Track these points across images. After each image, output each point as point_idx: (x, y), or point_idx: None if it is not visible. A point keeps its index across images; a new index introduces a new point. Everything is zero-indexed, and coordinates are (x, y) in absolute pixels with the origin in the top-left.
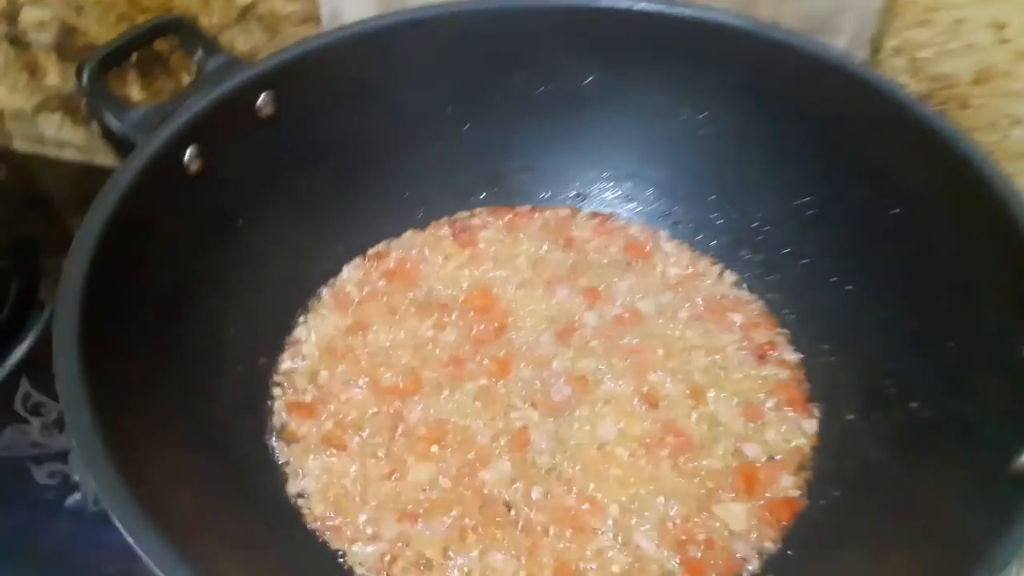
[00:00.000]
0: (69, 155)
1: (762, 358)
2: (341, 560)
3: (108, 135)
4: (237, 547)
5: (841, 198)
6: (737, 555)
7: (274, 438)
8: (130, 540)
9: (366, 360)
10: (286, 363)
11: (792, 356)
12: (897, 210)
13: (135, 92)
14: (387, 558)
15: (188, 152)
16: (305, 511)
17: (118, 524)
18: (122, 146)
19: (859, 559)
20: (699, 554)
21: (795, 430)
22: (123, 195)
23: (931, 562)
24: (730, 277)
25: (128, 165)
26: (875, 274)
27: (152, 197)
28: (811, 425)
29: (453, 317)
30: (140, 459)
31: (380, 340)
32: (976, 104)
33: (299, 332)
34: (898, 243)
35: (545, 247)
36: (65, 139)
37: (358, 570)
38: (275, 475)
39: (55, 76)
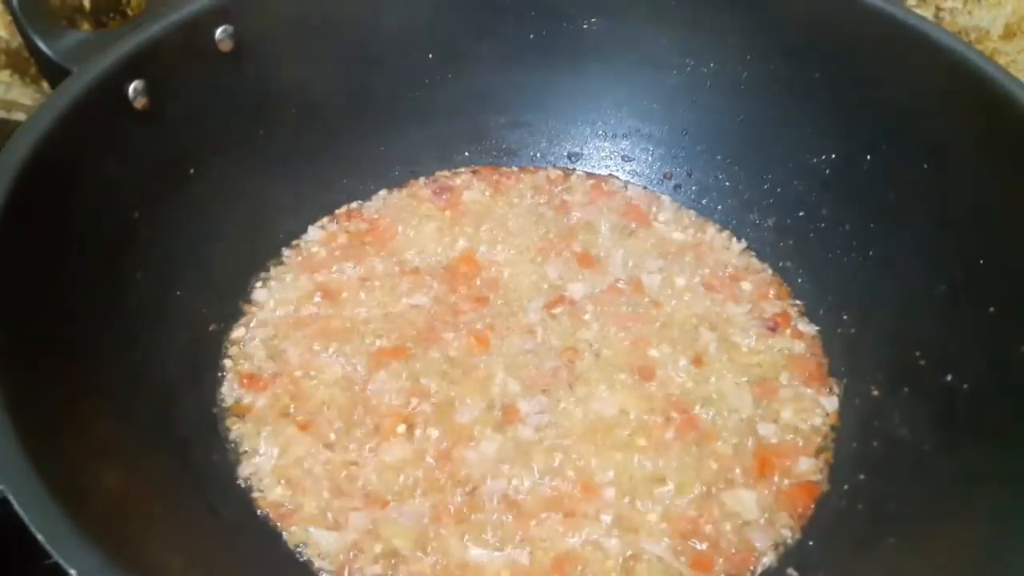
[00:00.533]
0: (18, 117)
1: (774, 330)
2: (298, 551)
3: (40, 63)
4: (175, 535)
5: (862, 154)
6: (750, 546)
7: (224, 413)
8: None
9: (332, 329)
10: (241, 330)
11: (808, 328)
12: (926, 164)
13: None
14: (351, 550)
15: (133, 86)
16: (257, 495)
17: (17, 507)
18: (56, 76)
19: (893, 550)
20: (706, 546)
21: (813, 408)
22: (48, 132)
23: (967, 565)
24: (738, 244)
25: (57, 97)
26: (901, 235)
27: (85, 135)
28: (831, 402)
29: (432, 284)
30: (59, 430)
31: (348, 308)
32: (1005, 60)
33: (257, 296)
34: (927, 200)
35: (535, 211)
36: (13, 99)
37: (317, 563)
38: (224, 454)
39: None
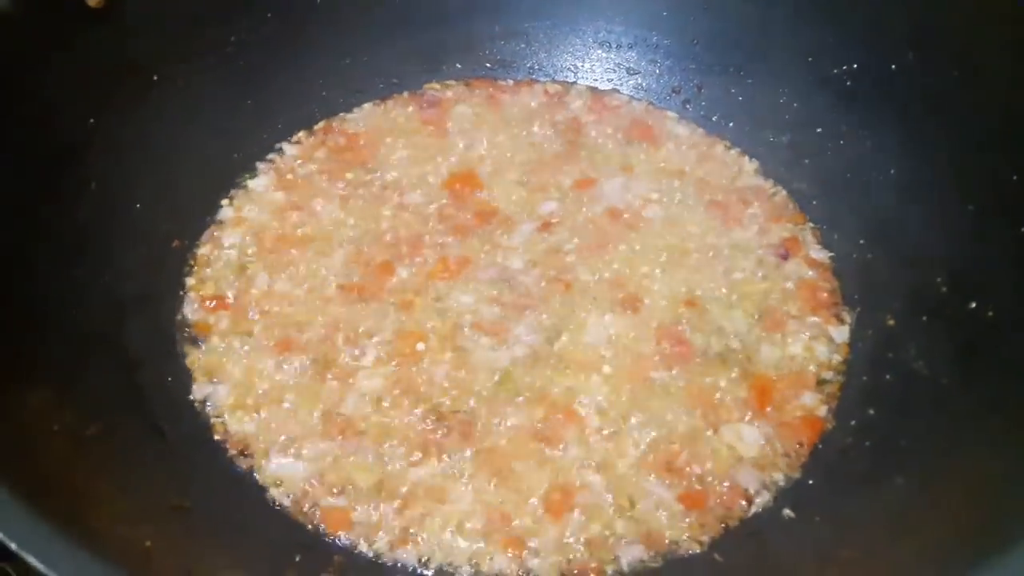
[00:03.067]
0: None
1: (784, 257)
2: (255, 479)
3: None
4: (115, 460)
5: (886, 63)
6: (744, 485)
7: (183, 334)
8: None
9: (304, 249)
10: (207, 247)
11: (820, 254)
12: (956, 72)
13: None
14: (312, 480)
15: None
16: (214, 420)
17: None
18: None
19: (899, 489)
20: (696, 482)
21: (821, 339)
22: None
23: (983, 502)
24: (751, 164)
25: None
26: (926, 152)
27: (32, 33)
28: (841, 333)
29: (415, 203)
30: None
31: (324, 227)
32: None
33: (225, 213)
34: (956, 113)
35: (531, 127)
36: None
37: (273, 491)
38: (178, 376)
39: None
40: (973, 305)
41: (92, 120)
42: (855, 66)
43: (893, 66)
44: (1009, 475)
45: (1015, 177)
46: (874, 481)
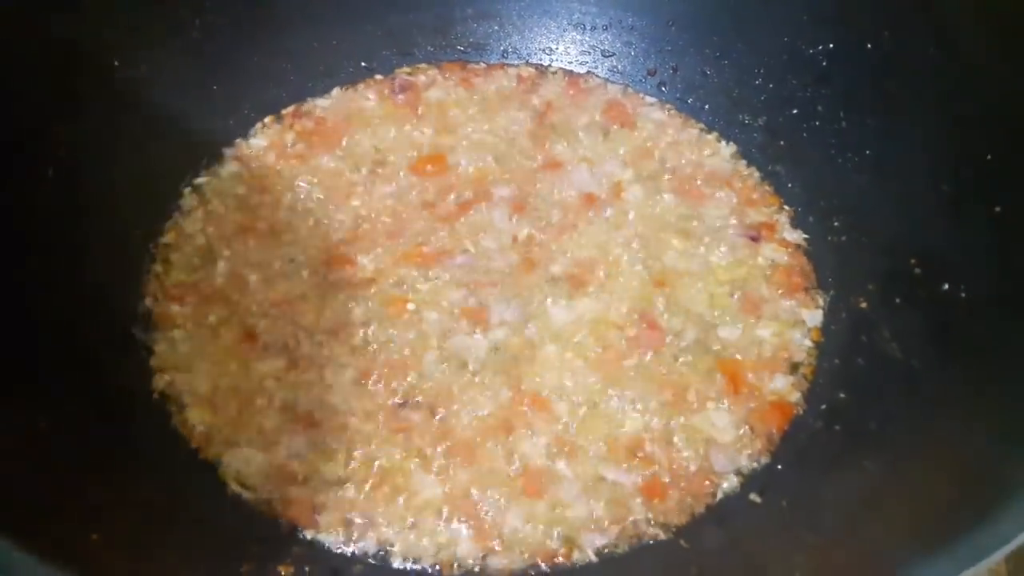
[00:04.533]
0: None
1: (756, 239)
2: (214, 470)
3: None
4: (68, 452)
5: (862, 42)
6: (711, 469)
7: (141, 323)
8: None
9: (270, 237)
10: (169, 235)
11: (794, 236)
12: (932, 50)
13: None
14: (272, 471)
15: None
16: (173, 411)
17: None
18: None
19: (868, 474)
20: (665, 469)
21: (793, 322)
22: None
23: (954, 482)
24: (726, 146)
25: None
26: (902, 132)
27: None
28: (814, 316)
29: (385, 187)
30: None
31: (291, 214)
32: None
33: (190, 201)
34: (933, 92)
35: (505, 111)
36: None
37: (232, 484)
38: (138, 367)
39: None
40: (946, 287)
41: (50, 106)
42: (830, 46)
43: (869, 45)
44: (978, 457)
45: (989, 157)
46: (843, 465)
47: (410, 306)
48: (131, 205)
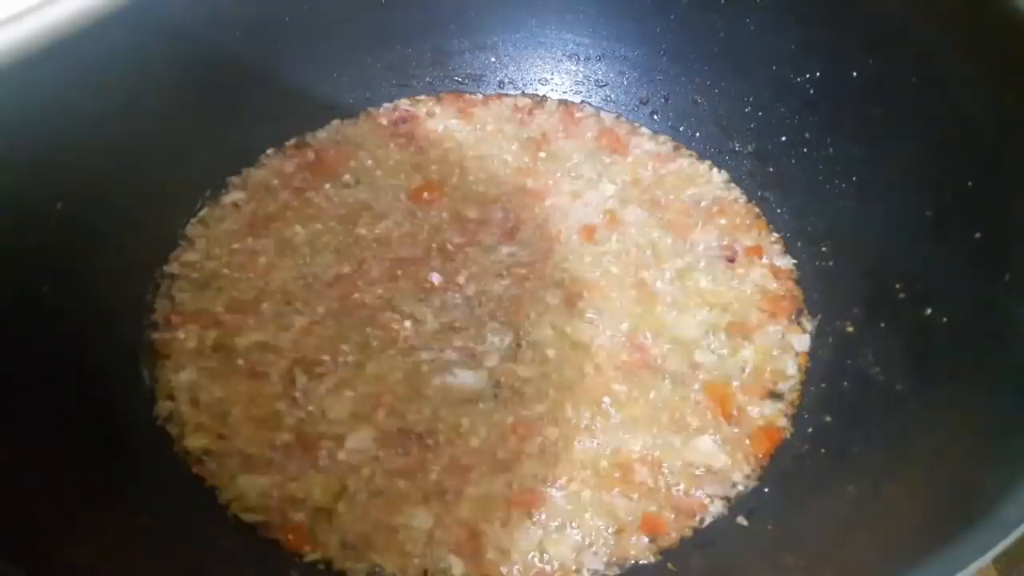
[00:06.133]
0: None
1: (731, 260)
2: (214, 494)
3: None
4: (71, 475)
5: (848, 70)
6: (700, 494)
7: (145, 350)
8: None
9: (272, 266)
10: (173, 264)
11: (783, 262)
12: (915, 79)
13: None
14: (271, 495)
15: None
16: (175, 436)
17: None
18: None
19: (851, 498)
20: (653, 494)
21: (781, 347)
22: None
23: (934, 504)
24: (716, 173)
25: None
26: (887, 158)
27: None
28: (802, 341)
29: (388, 217)
30: None
31: (293, 244)
32: None
33: (192, 231)
34: (916, 119)
35: (501, 140)
36: None
37: (232, 507)
38: (141, 393)
39: None
40: (929, 311)
41: (59, 138)
42: (817, 74)
43: (854, 73)
44: (956, 480)
45: (970, 183)
46: (827, 487)
47: (408, 334)
48: (137, 235)
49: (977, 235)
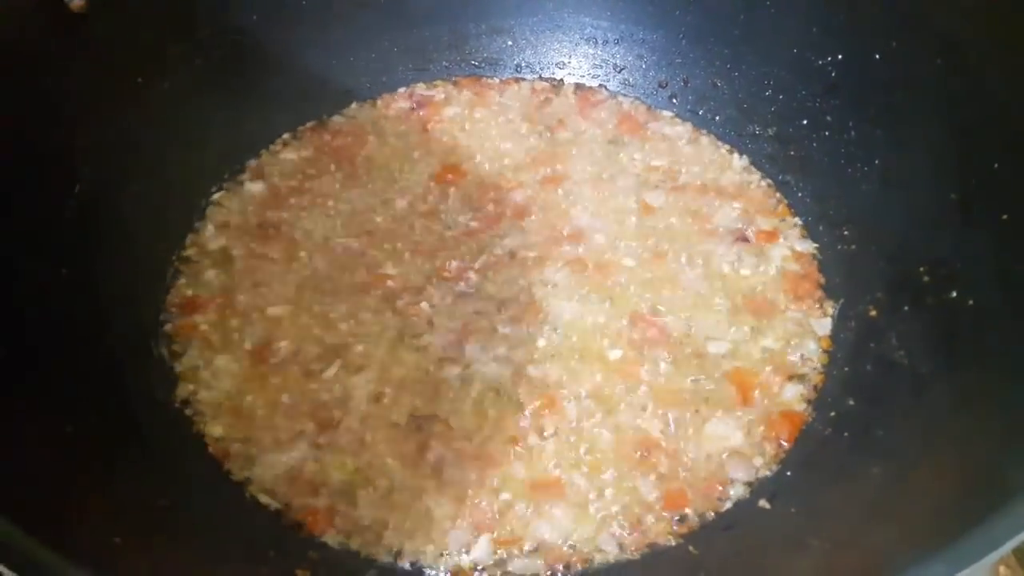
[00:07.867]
0: None
1: (765, 249)
2: (232, 477)
3: None
4: (92, 458)
5: (870, 53)
6: (720, 476)
7: (163, 334)
8: None
9: (290, 250)
10: (191, 249)
11: (805, 246)
12: (939, 61)
13: None
14: (290, 478)
15: None
16: (194, 420)
17: None
18: None
19: (876, 481)
20: (675, 477)
21: (803, 331)
22: None
23: (959, 490)
24: (737, 157)
25: None
26: (910, 141)
27: (15, 37)
28: (823, 325)
29: (402, 201)
30: None
31: (311, 228)
32: None
33: (210, 215)
34: (940, 102)
35: (518, 125)
36: None
37: (250, 489)
38: (160, 377)
39: None
40: (954, 294)
41: (76, 122)
42: (839, 57)
43: (877, 55)
44: (981, 460)
45: (996, 165)
46: (850, 471)
47: (426, 319)
48: (155, 219)
49: (1004, 216)
